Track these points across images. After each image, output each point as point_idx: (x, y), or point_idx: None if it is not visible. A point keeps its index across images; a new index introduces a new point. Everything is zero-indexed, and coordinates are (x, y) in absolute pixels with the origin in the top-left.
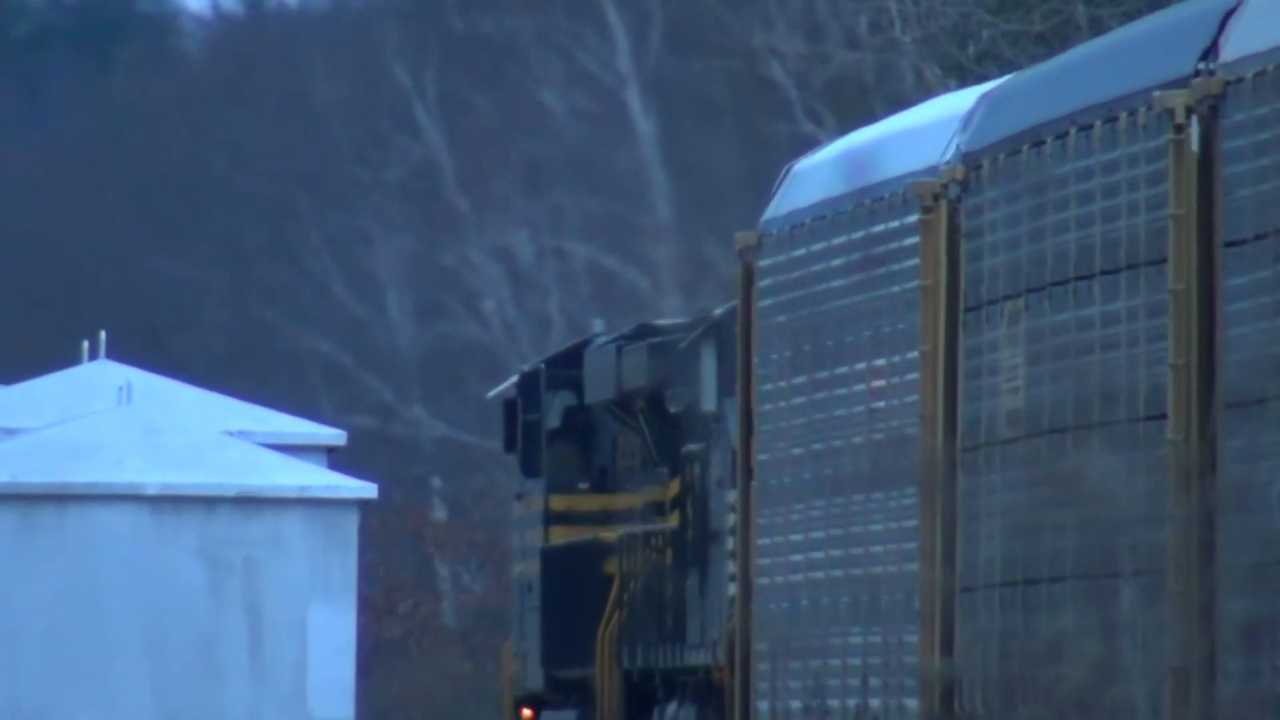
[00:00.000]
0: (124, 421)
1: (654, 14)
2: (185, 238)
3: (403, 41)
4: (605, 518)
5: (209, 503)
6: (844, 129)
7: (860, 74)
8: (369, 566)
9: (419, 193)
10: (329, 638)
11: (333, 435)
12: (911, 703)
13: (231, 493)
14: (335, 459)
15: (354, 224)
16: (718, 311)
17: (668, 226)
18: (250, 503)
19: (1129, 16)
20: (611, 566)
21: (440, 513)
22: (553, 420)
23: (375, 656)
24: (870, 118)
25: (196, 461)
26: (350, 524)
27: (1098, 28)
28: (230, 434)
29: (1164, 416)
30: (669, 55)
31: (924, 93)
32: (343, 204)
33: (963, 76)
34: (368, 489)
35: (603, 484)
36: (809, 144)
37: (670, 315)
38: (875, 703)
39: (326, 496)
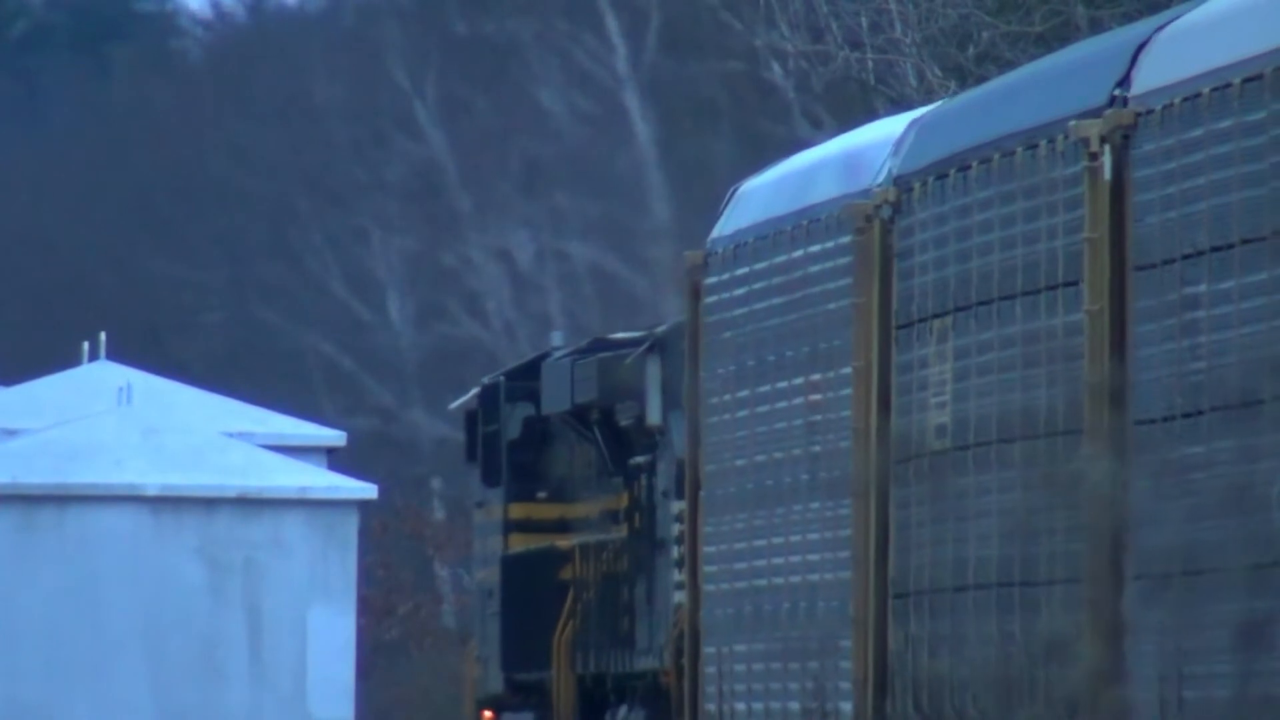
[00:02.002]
0: (124, 422)
1: (652, 15)
2: (185, 238)
3: (403, 43)
4: (563, 526)
5: (209, 504)
6: (844, 131)
7: (862, 74)
8: (369, 568)
9: (419, 194)
10: (329, 639)
11: (333, 436)
12: (847, 705)
13: (232, 494)
14: (335, 460)
15: (354, 225)
16: (661, 328)
17: (666, 228)
18: (250, 504)
19: (1129, 17)
20: (567, 574)
21: (440, 514)
22: (512, 431)
23: (375, 658)
24: (871, 119)
25: (197, 462)
26: (350, 525)
27: (1097, 29)
28: (230, 435)
29: (1080, 432)
30: (667, 57)
31: (925, 94)
32: (343, 205)
33: (963, 77)
34: (368, 490)
35: (560, 493)
36: (808, 146)
37: (670, 316)
38: (814, 705)
39: (326, 498)
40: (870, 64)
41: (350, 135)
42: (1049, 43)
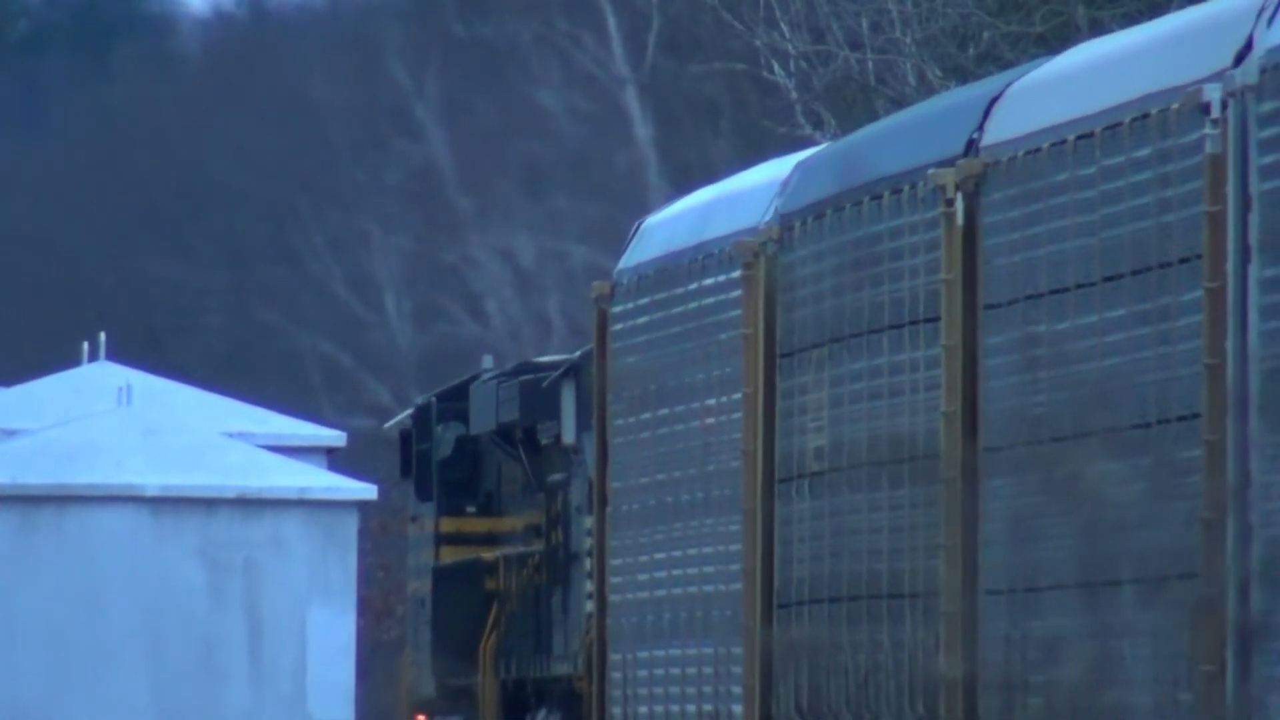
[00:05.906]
0: (124, 423)
1: (652, 16)
2: (185, 239)
3: (402, 43)
4: (491, 539)
5: (209, 504)
6: (845, 131)
7: (863, 74)
8: (368, 568)
9: (419, 194)
10: (329, 640)
11: (332, 437)
12: (738, 709)
13: (231, 494)
14: (335, 460)
15: (354, 225)
16: (577, 354)
17: None
18: (250, 504)
19: (1129, 19)
20: (492, 584)
21: None
22: (444, 449)
23: (375, 658)
24: (872, 119)
25: (196, 463)
26: (350, 525)
27: (1098, 29)
28: (230, 435)
29: (937, 457)
30: (667, 57)
31: (925, 94)
32: (342, 205)
33: (963, 78)
34: (367, 490)
35: (489, 508)
36: (809, 146)
37: None
38: (708, 708)
39: (326, 498)
40: (870, 64)
41: (350, 135)
42: (1049, 43)
